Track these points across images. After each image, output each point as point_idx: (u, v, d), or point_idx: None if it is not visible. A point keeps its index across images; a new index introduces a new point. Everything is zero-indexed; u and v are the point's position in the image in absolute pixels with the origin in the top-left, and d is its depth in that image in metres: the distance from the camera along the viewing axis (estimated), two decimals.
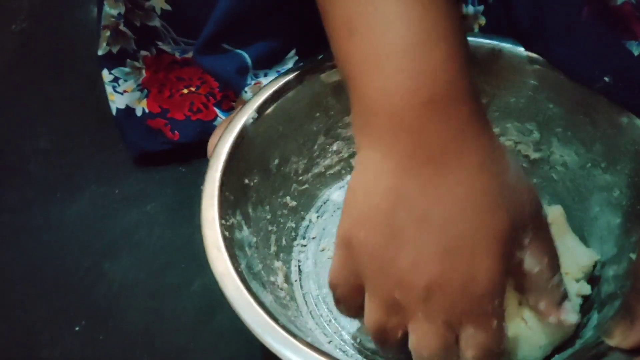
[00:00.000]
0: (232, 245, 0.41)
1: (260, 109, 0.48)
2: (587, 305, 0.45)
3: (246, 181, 0.47)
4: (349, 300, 0.37)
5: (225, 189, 0.43)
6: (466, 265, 0.32)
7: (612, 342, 0.33)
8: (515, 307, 0.40)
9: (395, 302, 0.34)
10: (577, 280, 0.44)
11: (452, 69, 0.33)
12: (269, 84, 0.49)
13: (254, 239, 0.46)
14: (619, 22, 0.41)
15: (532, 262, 0.36)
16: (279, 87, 0.49)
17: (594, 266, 0.46)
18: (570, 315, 0.38)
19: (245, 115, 0.47)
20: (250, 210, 0.47)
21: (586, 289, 0.44)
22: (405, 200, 0.33)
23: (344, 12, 0.33)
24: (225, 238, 0.41)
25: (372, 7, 0.33)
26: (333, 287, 0.37)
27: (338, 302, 0.38)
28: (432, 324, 0.34)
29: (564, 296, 0.38)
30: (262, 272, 0.45)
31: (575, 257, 0.44)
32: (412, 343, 0.35)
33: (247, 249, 0.44)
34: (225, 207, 0.43)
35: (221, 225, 0.41)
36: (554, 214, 0.47)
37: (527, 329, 0.40)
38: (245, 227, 0.45)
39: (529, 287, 0.37)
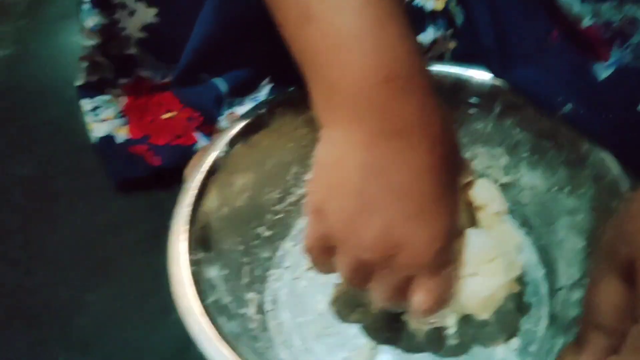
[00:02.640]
0: (200, 280, 0.42)
1: (232, 143, 0.48)
2: (554, 327, 0.46)
3: (216, 215, 0.48)
4: (323, 262, 0.40)
5: (193, 224, 0.44)
6: (431, 227, 0.36)
7: None
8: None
9: (364, 262, 0.37)
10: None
11: (407, 44, 0.34)
12: (241, 117, 0.50)
13: (225, 272, 0.47)
14: (586, 44, 0.42)
15: None
16: (251, 121, 0.49)
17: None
18: None
19: (217, 149, 0.48)
20: (220, 243, 0.48)
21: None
22: (376, 171, 0.35)
23: (299, 2, 0.35)
24: (191, 273, 0.42)
25: None
26: (308, 251, 0.40)
27: (314, 263, 0.41)
28: (394, 278, 0.37)
29: None
30: (232, 304, 0.46)
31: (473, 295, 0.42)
32: (375, 288, 0.39)
33: (216, 282, 0.45)
34: (194, 242, 0.44)
35: (189, 260, 0.42)
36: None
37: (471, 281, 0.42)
38: (215, 261, 0.46)
39: None
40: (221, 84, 0.54)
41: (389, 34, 0.34)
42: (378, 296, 0.39)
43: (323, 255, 0.40)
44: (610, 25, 0.40)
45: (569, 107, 0.44)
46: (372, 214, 0.35)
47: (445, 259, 0.38)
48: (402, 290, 0.38)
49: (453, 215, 0.37)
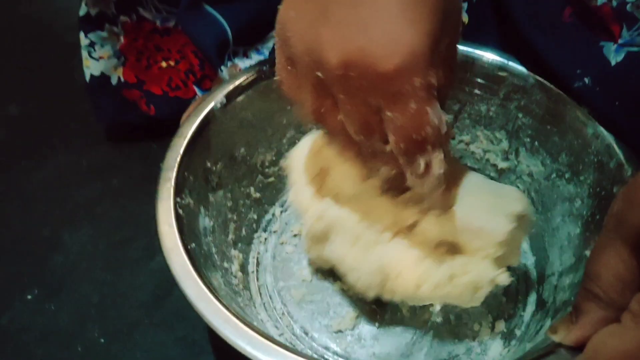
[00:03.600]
0: (186, 225, 0.41)
1: (230, 96, 0.47)
2: (542, 312, 0.46)
3: (208, 165, 0.47)
4: (292, 94, 0.37)
5: (184, 169, 0.43)
6: (387, 38, 0.31)
7: (556, 337, 0.33)
8: (435, 268, 0.40)
9: (320, 82, 0.33)
10: (498, 264, 0.41)
11: None
12: (243, 71, 0.49)
13: (211, 223, 0.46)
14: (598, 23, 0.42)
15: (440, 73, 0.34)
16: (252, 76, 0.48)
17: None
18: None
19: (214, 100, 0.47)
20: (209, 194, 0.47)
21: (503, 279, 0.41)
22: None
23: None
24: (178, 216, 0.41)
25: None
26: (279, 83, 0.38)
27: (285, 92, 0.38)
28: (352, 104, 0.33)
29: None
30: (216, 256, 0.45)
31: (487, 235, 0.40)
32: (344, 119, 0.35)
33: (201, 231, 0.44)
34: (182, 187, 0.43)
35: (176, 202, 0.41)
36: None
37: (453, 288, 0.40)
38: (202, 210, 0.45)
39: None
40: (225, 23, 0.53)
41: None
42: (351, 129, 0.35)
43: (291, 80, 0.36)
44: (624, 6, 0.40)
45: (585, 82, 0.44)
46: (325, 23, 0.32)
47: (412, 86, 0.31)
48: (371, 125, 0.34)
49: (424, 34, 0.31)
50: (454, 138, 0.47)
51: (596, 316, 0.31)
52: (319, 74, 0.33)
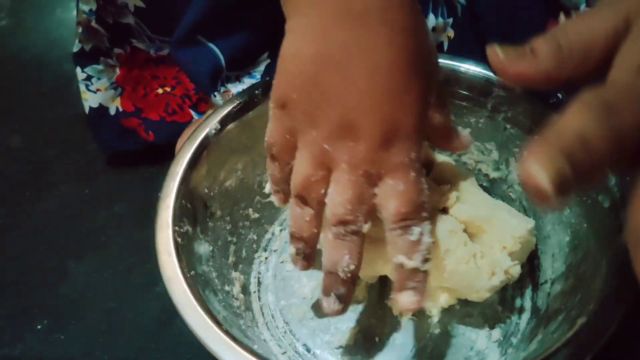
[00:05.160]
0: (185, 252, 0.42)
1: (224, 121, 0.48)
2: (535, 320, 0.47)
3: (206, 191, 0.48)
4: (283, 157, 0.40)
5: (182, 197, 0.44)
6: (390, 118, 0.35)
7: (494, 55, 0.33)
8: (464, 245, 0.42)
9: (323, 153, 0.36)
10: (512, 257, 0.44)
11: None
12: (236, 95, 0.50)
13: (210, 248, 0.47)
14: None
15: (437, 116, 0.41)
16: (245, 100, 0.49)
17: (536, 247, 0.48)
18: (464, 135, 0.44)
19: (208, 126, 0.48)
20: (208, 219, 0.48)
21: (516, 270, 0.44)
22: (331, 61, 0.35)
23: None
24: (177, 244, 0.42)
25: None
26: (270, 145, 0.40)
27: (273, 159, 0.41)
28: (352, 174, 0.36)
29: (456, 129, 0.43)
30: (216, 280, 0.46)
31: (510, 228, 0.44)
32: (331, 193, 0.37)
33: (202, 257, 0.45)
34: (180, 215, 0.44)
35: (174, 231, 0.42)
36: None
37: (474, 266, 0.42)
38: (201, 236, 0.46)
39: (435, 135, 0.42)
40: (219, 52, 0.54)
41: None
42: (340, 202, 0.37)
43: (284, 150, 0.39)
44: None
45: (559, 97, 0.45)
46: (330, 104, 0.35)
47: (410, 158, 0.36)
48: (364, 196, 0.37)
49: (416, 117, 0.36)
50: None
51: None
52: (326, 146, 0.36)
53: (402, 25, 0.35)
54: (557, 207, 0.25)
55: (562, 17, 0.41)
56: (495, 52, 0.33)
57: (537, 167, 0.25)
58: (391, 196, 0.36)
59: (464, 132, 0.44)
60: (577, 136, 0.25)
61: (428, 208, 0.38)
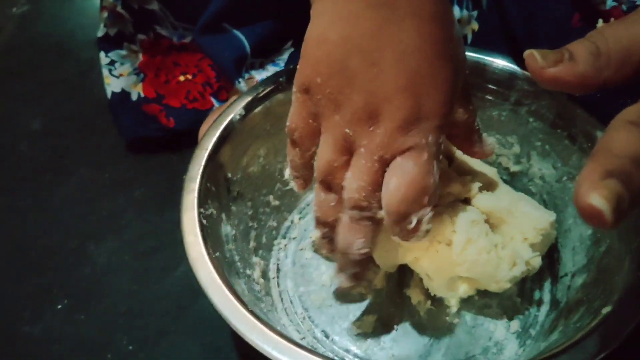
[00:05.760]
0: (210, 234, 0.43)
1: (248, 107, 0.49)
2: (555, 312, 0.47)
3: (229, 175, 0.48)
4: (305, 142, 0.40)
5: (206, 180, 0.45)
6: (413, 102, 0.35)
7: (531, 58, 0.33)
8: (485, 236, 0.43)
9: (345, 138, 0.36)
10: (533, 249, 0.44)
11: None
12: (261, 82, 0.50)
13: (233, 232, 0.47)
14: None
15: (461, 111, 0.40)
16: (269, 87, 0.50)
17: (556, 240, 0.49)
18: (489, 143, 0.44)
19: (233, 112, 0.48)
20: (231, 203, 0.48)
21: (537, 262, 0.44)
22: (357, 46, 0.35)
23: None
24: (202, 226, 0.42)
25: None
26: (291, 130, 0.40)
27: (294, 144, 0.41)
28: (368, 160, 0.36)
29: (480, 134, 0.43)
30: (239, 263, 0.46)
31: (531, 220, 0.45)
32: (348, 178, 0.37)
33: (224, 240, 0.45)
34: (205, 197, 0.44)
35: (199, 213, 0.43)
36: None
37: (495, 256, 0.42)
38: (224, 219, 0.46)
39: (457, 133, 0.42)
40: (244, 40, 0.54)
41: None
42: (355, 188, 0.37)
43: (306, 135, 0.39)
44: (634, 7, 0.41)
45: None
46: (355, 89, 0.35)
47: (427, 141, 0.36)
48: (377, 179, 0.37)
49: (440, 103, 0.36)
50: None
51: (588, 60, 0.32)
52: (348, 130, 0.36)
53: (430, 13, 0.35)
54: (613, 227, 0.26)
55: (600, 22, 0.41)
56: (534, 56, 0.33)
57: (596, 197, 0.25)
58: (395, 174, 0.36)
59: (489, 140, 0.44)
60: (633, 160, 0.26)
61: (433, 195, 0.37)
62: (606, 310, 0.36)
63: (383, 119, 0.35)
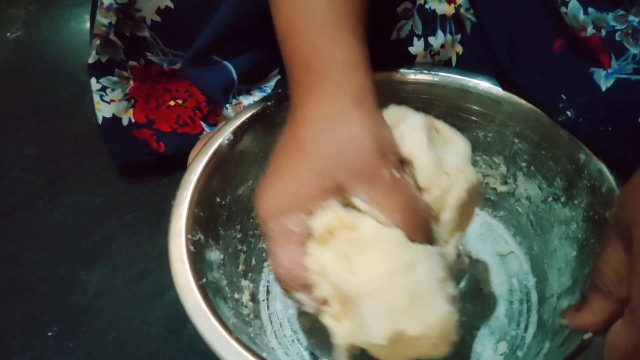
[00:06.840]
0: (197, 260, 0.43)
1: (237, 132, 0.49)
2: (542, 333, 0.47)
3: (217, 199, 0.48)
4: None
5: (195, 206, 0.45)
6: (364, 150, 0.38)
7: (564, 321, 0.38)
8: None
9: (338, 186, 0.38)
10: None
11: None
12: (249, 107, 0.51)
13: (222, 256, 0.47)
14: (588, 53, 0.43)
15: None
16: (257, 111, 0.50)
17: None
18: None
19: (221, 136, 0.49)
20: (219, 227, 0.48)
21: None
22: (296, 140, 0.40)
23: (282, 25, 0.42)
24: (190, 252, 0.42)
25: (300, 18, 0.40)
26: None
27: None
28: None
29: None
30: (227, 288, 0.46)
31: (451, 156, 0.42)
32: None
33: (213, 265, 0.46)
34: (193, 223, 0.44)
35: (187, 239, 0.43)
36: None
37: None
38: (212, 244, 0.47)
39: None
40: (231, 69, 0.55)
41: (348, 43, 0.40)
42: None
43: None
44: (613, 35, 0.42)
45: (568, 115, 0.46)
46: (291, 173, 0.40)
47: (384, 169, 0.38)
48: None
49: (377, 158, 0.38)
50: None
51: (598, 306, 0.35)
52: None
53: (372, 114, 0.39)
54: None
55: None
56: (568, 318, 0.38)
57: None
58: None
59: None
60: None
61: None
62: (587, 335, 0.37)
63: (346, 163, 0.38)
